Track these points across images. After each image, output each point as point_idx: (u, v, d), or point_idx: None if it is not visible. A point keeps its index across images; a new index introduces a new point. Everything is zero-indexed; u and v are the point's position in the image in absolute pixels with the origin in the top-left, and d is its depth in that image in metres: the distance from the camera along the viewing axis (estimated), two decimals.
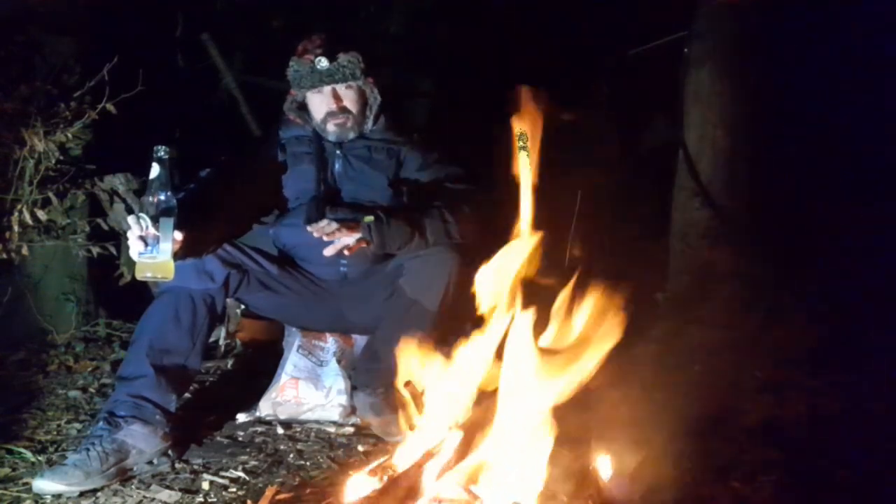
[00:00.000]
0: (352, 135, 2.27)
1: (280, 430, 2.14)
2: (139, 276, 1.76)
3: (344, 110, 2.23)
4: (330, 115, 2.23)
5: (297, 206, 2.26)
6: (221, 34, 3.78)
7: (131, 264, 2.98)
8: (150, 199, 1.75)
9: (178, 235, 1.77)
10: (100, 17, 2.93)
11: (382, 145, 2.29)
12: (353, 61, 2.20)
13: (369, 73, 2.25)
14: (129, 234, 1.74)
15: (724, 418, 2.23)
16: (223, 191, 2.07)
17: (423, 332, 2.06)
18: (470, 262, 2.03)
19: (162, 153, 1.75)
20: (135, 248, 1.74)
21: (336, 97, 2.22)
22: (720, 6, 3.06)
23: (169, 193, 1.75)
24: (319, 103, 2.24)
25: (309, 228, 2.00)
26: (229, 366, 2.74)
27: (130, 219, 1.74)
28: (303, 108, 2.30)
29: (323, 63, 2.17)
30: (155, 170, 1.75)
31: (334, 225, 1.99)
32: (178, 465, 1.90)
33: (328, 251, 2.03)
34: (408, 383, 1.69)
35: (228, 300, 2.17)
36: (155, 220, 1.73)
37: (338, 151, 2.27)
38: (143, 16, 3.34)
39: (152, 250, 1.74)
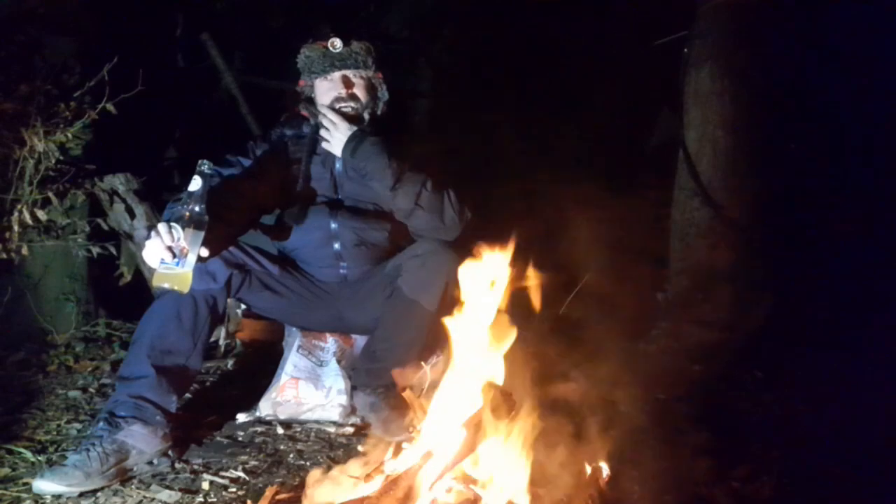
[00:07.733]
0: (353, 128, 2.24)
1: (280, 430, 2.14)
2: (156, 283, 1.74)
3: (353, 97, 2.18)
4: (338, 100, 2.18)
5: None
6: (221, 34, 3.78)
7: (131, 264, 3.00)
8: (185, 210, 1.74)
9: (205, 252, 1.76)
10: (100, 17, 2.94)
11: None
12: (367, 50, 2.19)
13: (379, 69, 2.24)
14: (153, 240, 1.72)
15: (725, 418, 2.23)
16: (227, 191, 2.05)
17: (421, 332, 2.08)
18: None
19: (206, 168, 1.75)
20: (158, 255, 1.72)
21: (346, 83, 2.18)
22: (720, 6, 3.05)
23: (203, 207, 1.74)
24: (328, 89, 2.19)
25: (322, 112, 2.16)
26: (229, 366, 2.74)
27: (161, 226, 1.72)
28: (311, 102, 2.25)
29: (337, 45, 2.14)
30: (196, 183, 1.74)
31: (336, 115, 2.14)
32: (178, 465, 1.90)
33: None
34: (406, 385, 1.68)
35: (229, 300, 2.17)
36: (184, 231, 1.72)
37: None
38: (143, 16, 3.34)
39: (178, 262, 1.72)
